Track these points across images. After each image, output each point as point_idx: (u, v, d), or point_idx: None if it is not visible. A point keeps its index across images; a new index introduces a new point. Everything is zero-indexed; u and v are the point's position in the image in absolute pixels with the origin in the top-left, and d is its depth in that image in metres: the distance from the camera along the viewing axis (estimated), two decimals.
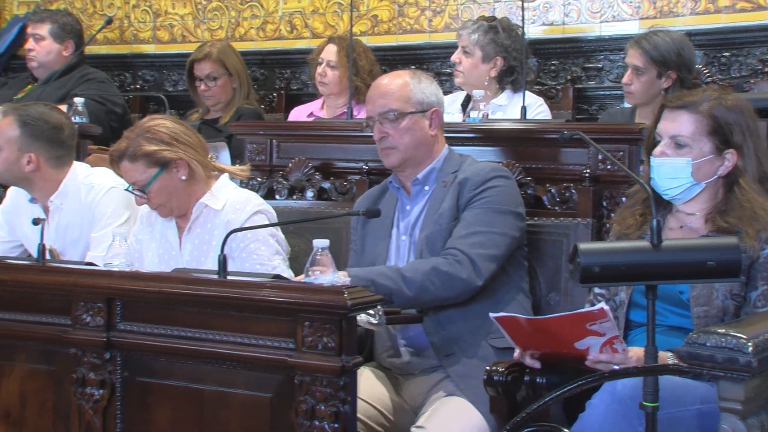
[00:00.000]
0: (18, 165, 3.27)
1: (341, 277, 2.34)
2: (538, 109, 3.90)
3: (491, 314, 2.37)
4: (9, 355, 2.47)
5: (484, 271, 2.63)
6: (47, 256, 2.65)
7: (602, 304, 2.23)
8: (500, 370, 2.42)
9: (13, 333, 2.46)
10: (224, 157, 4.06)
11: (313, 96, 4.68)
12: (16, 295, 2.48)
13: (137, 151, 2.88)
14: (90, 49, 5.01)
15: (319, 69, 4.39)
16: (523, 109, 3.56)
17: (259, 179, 3.48)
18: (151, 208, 2.99)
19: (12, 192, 3.44)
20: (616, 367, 2.21)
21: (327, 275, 2.31)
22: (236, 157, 3.98)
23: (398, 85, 2.81)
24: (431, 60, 4.67)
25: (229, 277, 2.35)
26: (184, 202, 2.95)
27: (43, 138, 3.29)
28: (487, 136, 3.22)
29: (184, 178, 2.91)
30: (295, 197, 3.42)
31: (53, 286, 2.43)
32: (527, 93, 3.74)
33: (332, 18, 4.92)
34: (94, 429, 2.35)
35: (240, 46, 4.85)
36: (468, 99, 4.01)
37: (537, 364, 2.38)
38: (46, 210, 3.34)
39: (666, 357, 2.25)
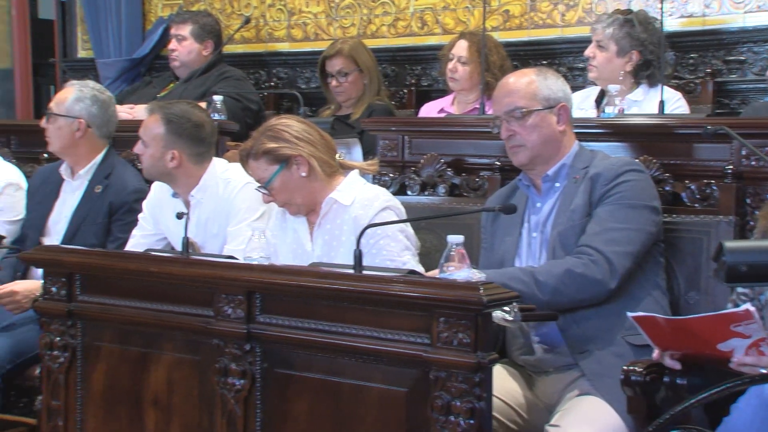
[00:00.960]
0: (162, 161, 3.40)
1: (476, 273, 2.33)
2: (676, 103, 3.79)
3: (629, 313, 2.32)
4: (157, 344, 2.55)
5: (620, 269, 2.58)
6: (185, 250, 2.78)
7: (748, 305, 2.15)
8: (638, 370, 2.37)
9: (161, 323, 2.54)
10: (356, 153, 4.10)
11: (443, 92, 4.69)
12: (163, 286, 2.56)
13: (259, 149, 2.96)
14: (228, 48, 5.15)
15: (450, 65, 4.40)
16: (661, 104, 3.47)
17: (390, 175, 3.51)
18: (278, 206, 3.06)
19: (156, 187, 3.58)
20: (765, 371, 2.13)
21: (462, 271, 2.31)
22: (368, 153, 4.03)
23: (524, 82, 2.78)
24: (563, 55, 4.60)
25: (365, 272, 2.38)
26: (308, 199, 3.00)
27: (186, 136, 3.40)
28: (623, 132, 3.16)
29: (304, 174, 2.96)
30: (426, 193, 3.43)
31: (197, 278, 2.50)
32: (664, 88, 3.65)
33: (463, 14, 4.92)
34: (236, 418, 2.40)
35: (371, 43, 4.90)
36: (602, 94, 3.94)
37: (677, 365, 2.32)
38: (187, 204, 3.46)
39: None
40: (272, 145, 2.96)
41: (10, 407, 3.70)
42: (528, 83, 2.78)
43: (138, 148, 3.46)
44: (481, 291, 2.10)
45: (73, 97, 3.75)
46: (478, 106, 4.06)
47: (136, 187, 3.70)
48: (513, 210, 2.65)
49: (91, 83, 3.90)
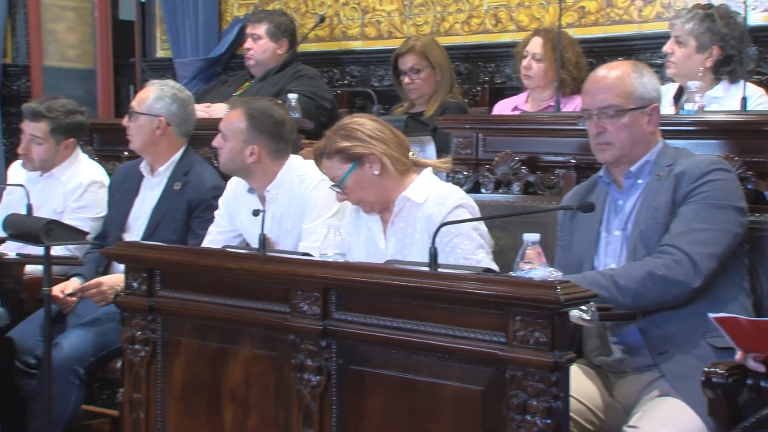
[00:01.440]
0: (241, 156, 3.44)
1: (553, 272, 2.31)
2: (758, 100, 3.70)
3: (710, 315, 2.27)
4: (235, 339, 2.58)
5: (704, 270, 2.53)
6: (262, 246, 2.80)
7: None
8: (720, 371, 2.32)
9: (238, 318, 2.57)
10: (430, 151, 4.10)
11: (517, 89, 4.65)
12: (240, 282, 2.58)
13: (332, 148, 2.98)
14: (302, 47, 5.19)
15: (524, 62, 4.37)
16: (743, 100, 3.39)
17: (464, 173, 3.50)
18: (352, 204, 3.08)
19: (232, 183, 3.63)
20: None
21: (538, 269, 2.30)
22: (441, 151, 4.03)
23: (620, 79, 2.73)
24: (640, 51, 4.53)
25: (440, 270, 2.38)
26: (381, 197, 3.01)
27: (267, 132, 3.45)
28: (703, 129, 3.10)
29: (377, 173, 2.97)
30: (500, 191, 3.41)
31: (274, 275, 2.52)
32: (747, 84, 3.56)
33: (538, 10, 4.87)
34: (312, 413, 2.42)
35: (445, 41, 4.89)
36: (680, 91, 3.87)
37: (761, 368, 2.26)
38: (262, 200, 3.50)
39: None
40: (345, 143, 2.97)
41: (94, 399, 3.81)
42: (625, 80, 2.72)
43: (217, 142, 3.50)
44: (559, 290, 2.07)
45: (153, 95, 3.82)
46: (552, 103, 4.03)
47: (214, 184, 3.76)
48: (592, 208, 2.61)
49: (171, 82, 3.98)
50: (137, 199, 3.87)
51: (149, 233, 3.73)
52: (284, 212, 3.46)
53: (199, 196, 3.73)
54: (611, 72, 2.76)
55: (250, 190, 3.53)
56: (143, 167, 3.88)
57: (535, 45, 4.34)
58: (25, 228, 3.29)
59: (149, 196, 3.84)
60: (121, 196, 3.91)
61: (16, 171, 4.27)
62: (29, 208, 3.60)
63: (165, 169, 3.83)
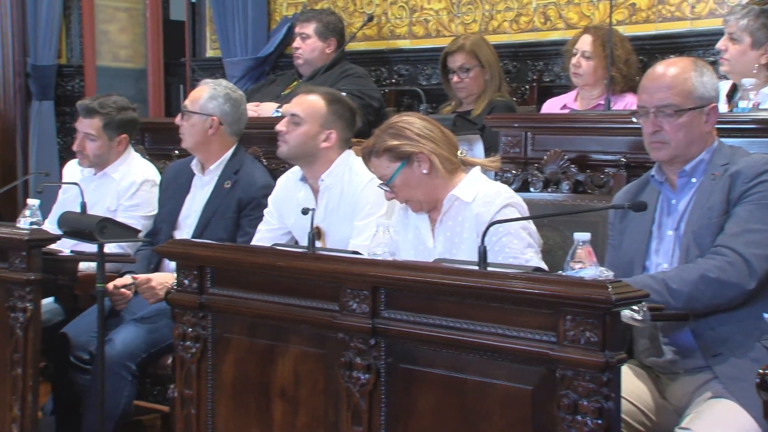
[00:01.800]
0: (315, 140, 3.45)
1: (604, 272, 2.30)
2: None
3: (766, 315, 2.24)
4: (284, 337, 2.60)
5: (759, 272, 2.49)
6: (317, 237, 2.82)
7: None
8: None
9: (287, 316, 2.59)
10: (478, 150, 4.09)
11: (566, 88, 4.62)
12: (290, 280, 2.60)
13: (381, 146, 2.98)
14: (350, 46, 5.20)
15: (574, 60, 4.33)
16: None
17: (513, 172, 3.49)
18: (400, 203, 3.08)
19: (281, 182, 3.66)
20: None
21: (589, 269, 2.28)
22: (489, 149, 4.01)
23: (681, 78, 2.68)
24: (693, 48, 4.47)
25: (489, 269, 2.37)
26: (430, 196, 3.00)
27: (344, 118, 3.47)
28: (758, 127, 3.05)
29: (425, 171, 2.96)
30: (549, 190, 3.39)
31: (323, 273, 2.54)
32: None
33: (587, 8, 4.83)
34: (361, 412, 2.43)
35: (493, 39, 4.87)
36: (734, 88, 3.81)
37: None
38: (315, 191, 3.52)
39: None
40: (394, 142, 2.98)
41: (145, 395, 3.86)
42: (685, 79, 2.67)
43: (284, 126, 3.51)
44: (610, 289, 2.06)
45: (207, 95, 3.85)
46: (602, 101, 3.99)
47: (264, 183, 3.78)
48: (644, 207, 2.58)
49: (224, 82, 4.01)
50: (188, 198, 3.91)
51: (199, 231, 3.77)
52: (337, 204, 3.47)
53: (250, 195, 3.76)
54: (670, 69, 2.71)
55: (303, 179, 3.54)
56: (194, 165, 3.92)
57: (585, 43, 4.30)
58: (79, 225, 3.34)
59: (200, 194, 3.88)
60: (172, 194, 3.95)
61: (71, 169, 4.34)
62: (83, 206, 3.66)
63: (216, 168, 3.86)
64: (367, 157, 3.05)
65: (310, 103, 3.50)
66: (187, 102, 3.91)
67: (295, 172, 3.63)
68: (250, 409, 2.67)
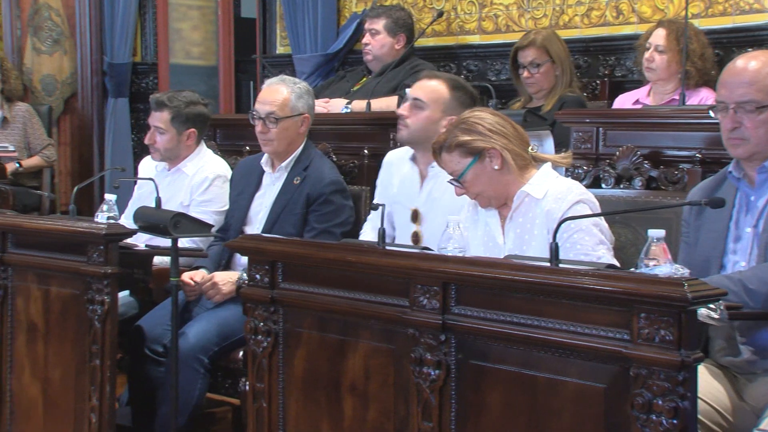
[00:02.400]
0: (436, 126, 3.43)
1: (679, 269, 2.26)
2: None
3: None
4: (355, 332, 2.60)
5: None
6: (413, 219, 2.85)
7: None
8: None
9: (358, 311, 2.60)
10: (548, 145, 4.05)
11: (638, 83, 4.56)
12: (360, 276, 2.61)
13: (453, 142, 2.97)
14: (419, 42, 5.21)
15: (647, 54, 4.27)
16: None
17: (584, 168, 3.44)
18: (470, 198, 3.06)
19: (390, 156, 3.69)
20: None
21: (664, 266, 2.24)
22: (559, 145, 3.97)
23: (763, 73, 2.61)
24: None
25: (561, 266, 2.35)
26: (500, 192, 2.99)
27: (465, 107, 3.40)
28: None
29: (497, 167, 2.95)
30: (621, 186, 3.34)
31: (393, 269, 2.53)
32: None
33: (661, 1, 4.75)
34: (431, 407, 2.42)
35: (564, 34, 4.82)
36: None
37: None
38: (422, 177, 3.53)
39: None
40: (466, 137, 2.96)
41: (217, 388, 3.91)
42: (767, 74, 2.61)
43: (405, 110, 3.50)
44: (686, 287, 2.02)
45: (293, 96, 3.78)
46: (676, 97, 3.93)
47: (333, 179, 3.79)
48: (722, 204, 2.53)
49: (289, 78, 3.99)
50: (258, 194, 3.93)
51: (269, 226, 3.79)
52: (441, 194, 3.45)
53: (318, 190, 3.77)
54: (752, 63, 2.64)
55: (413, 159, 3.54)
56: (264, 162, 3.94)
57: (659, 37, 4.23)
58: (153, 220, 3.40)
59: (270, 190, 3.90)
60: (243, 189, 3.98)
61: (146, 165, 4.41)
62: (158, 201, 3.71)
63: (286, 164, 3.87)
64: (438, 152, 3.04)
65: (432, 88, 3.50)
66: (275, 109, 3.77)
67: (406, 150, 3.63)
68: (321, 403, 2.69)
